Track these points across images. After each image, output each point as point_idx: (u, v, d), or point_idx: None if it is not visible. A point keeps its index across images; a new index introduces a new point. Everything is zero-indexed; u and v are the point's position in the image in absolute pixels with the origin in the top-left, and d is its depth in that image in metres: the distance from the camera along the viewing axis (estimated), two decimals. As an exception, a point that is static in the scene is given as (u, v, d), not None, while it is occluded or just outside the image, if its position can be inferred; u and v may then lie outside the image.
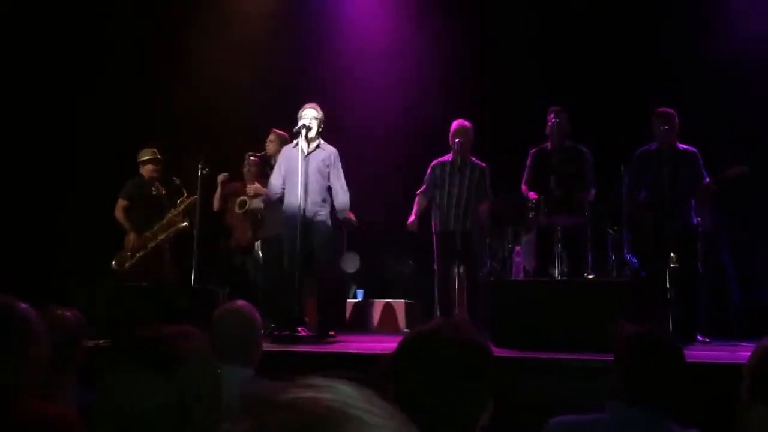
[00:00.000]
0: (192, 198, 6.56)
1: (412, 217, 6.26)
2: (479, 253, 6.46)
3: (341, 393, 0.65)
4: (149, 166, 6.84)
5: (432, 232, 6.25)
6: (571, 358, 4.33)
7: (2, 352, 1.88)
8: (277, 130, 6.55)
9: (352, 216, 6.03)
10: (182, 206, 6.67)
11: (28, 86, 7.79)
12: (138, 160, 6.87)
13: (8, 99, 7.71)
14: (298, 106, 5.88)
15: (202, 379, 1.42)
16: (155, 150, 6.90)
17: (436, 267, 6.25)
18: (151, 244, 6.69)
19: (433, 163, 6.29)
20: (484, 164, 6.24)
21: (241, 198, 6.61)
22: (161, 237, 6.71)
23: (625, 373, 2.19)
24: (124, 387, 1.37)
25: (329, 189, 5.81)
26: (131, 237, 6.70)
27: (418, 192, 6.31)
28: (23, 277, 5.49)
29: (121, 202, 6.79)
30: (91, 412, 1.70)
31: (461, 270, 6.43)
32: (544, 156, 6.14)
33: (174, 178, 6.81)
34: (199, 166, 6.30)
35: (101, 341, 4.48)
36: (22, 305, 1.97)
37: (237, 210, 6.61)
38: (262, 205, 6.25)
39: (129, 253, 6.66)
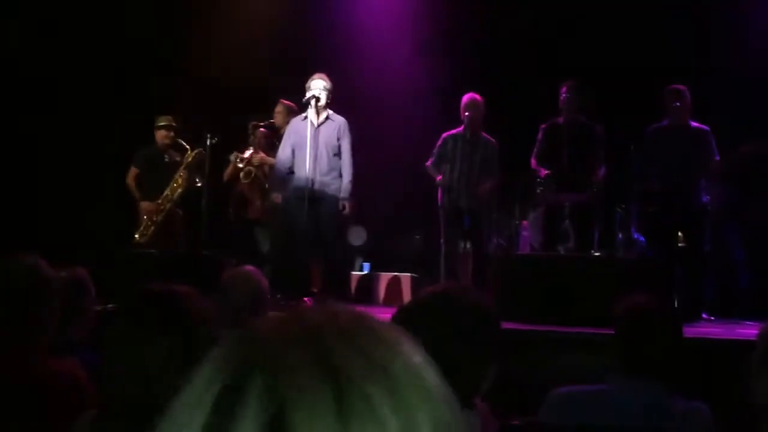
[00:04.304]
0: (196, 152, 6.54)
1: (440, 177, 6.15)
2: (486, 230, 6.44)
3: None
4: (162, 132, 6.79)
5: (438, 206, 6.22)
6: (576, 331, 4.37)
7: (23, 312, 1.91)
8: (285, 101, 6.54)
9: (348, 206, 5.83)
10: (188, 161, 6.62)
11: (41, 56, 7.76)
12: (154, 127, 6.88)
13: (26, 66, 7.68)
14: (306, 77, 5.87)
15: (206, 338, 1.44)
16: (170, 117, 6.87)
17: (442, 241, 6.25)
18: (167, 206, 6.67)
19: (444, 135, 6.24)
20: (494, 141, 6.22)
21: (247, 167, 6.60)
22: (175, 198, 6.67)
23: (622, 344, 2.21)
24: (129, 343, 1.39)
25: (339, 159, 5.80)
26: (143, 206, 6.71)
27: (427, 165, 6.28)
28: (35, 241, 5.50)
29: (133, 170, 6.78)
30: (99, 370, 1.73)
31: (467, 246, 6.43)
32: (556, 130, 6.09)
33: (179, 140, 6.77)
34: (208, 135, 6.29)
35: (109, 305, 4.52)
36: (45, 266, 2.00)
37: (243, 180, 6.61)
38: (278, 200, 5.99)
39: (148, 223, 6.65)
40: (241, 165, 6.56)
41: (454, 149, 6.14)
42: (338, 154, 5.81)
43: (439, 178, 6.15)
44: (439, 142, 6.24)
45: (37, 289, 1.95)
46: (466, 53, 7.99)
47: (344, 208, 5.82)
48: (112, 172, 7.15)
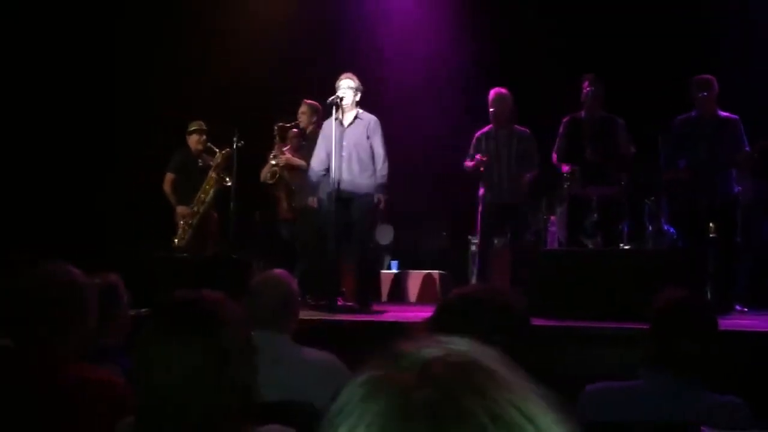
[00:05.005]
0: (225, 152, 6.59)
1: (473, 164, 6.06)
2: (523, 225, 6.37)
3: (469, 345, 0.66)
4: (195, 137, 6.84)
5: (478, 203, 6.19)
6: (607, 326, 4.34)
7: (58, 320, 1.94)
8: (309, 101, 6.54)
9: (382, 201, 5.80)
10: (217, 161, 6.69)
11: (64, 60, 7.86)
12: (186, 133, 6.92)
13: (51, 74, 7.78)
14: (333, 77, 5.87)
15: (237, 342, 1.45)
16: (201, 122, 6.91)
17: (477, 238, 6.20)
18: (202, 208, 6.70)
19: (477, 134, 6.20)
20: (529, 132, 6.15)
21: (272, 168, 6.63)
22: (208, 200, 6.72)
23: (657, 339, 2.19)
24: (160, 348, 1.40)
25: (373, 158, 5.71)
26: (179, 211, 6.76)
27: (465, 164, 6.22)
28: (67, 246, 5.58)
29: (169, 176, 6.81)
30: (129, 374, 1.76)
31: (498, 242, 6.38)
32: (578, 125, 6.01)
33: (209, 143, 6.82)
34: (234, 138, 6.33)
35: (142, 310, 4.58)
36: (78, 274, 2.02)
37: (269, 180, 6.64)
38: (314, 203, 5.98)
39: (185, 227, 6.70)
40: (274, 162, 6.59)
41: (488, 147, 6.10)
42: (370, 153, 5.71)
43: (478, 157, 6.02)
44: (473, 142, 6.19)
45: (69, 297, 1.98)
46: (488, 49, 7.95)
47: (379, 201, 5.74)
48: (146, 177, 7.23)
